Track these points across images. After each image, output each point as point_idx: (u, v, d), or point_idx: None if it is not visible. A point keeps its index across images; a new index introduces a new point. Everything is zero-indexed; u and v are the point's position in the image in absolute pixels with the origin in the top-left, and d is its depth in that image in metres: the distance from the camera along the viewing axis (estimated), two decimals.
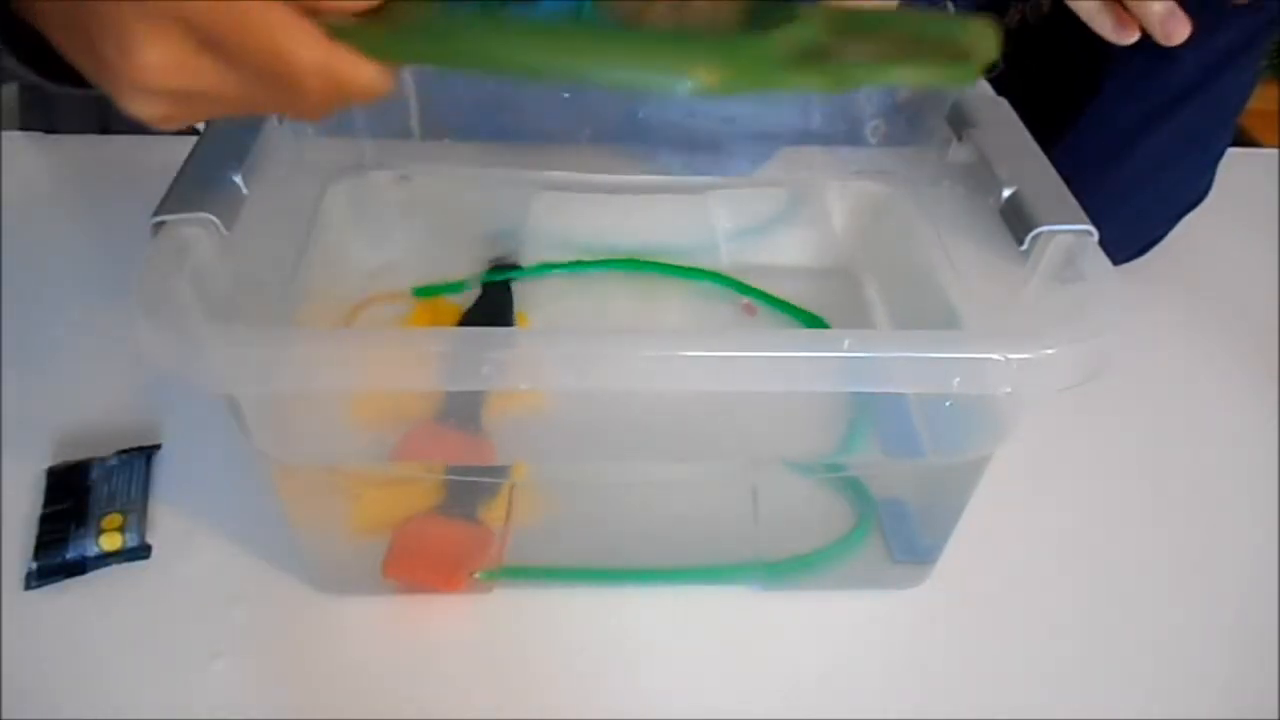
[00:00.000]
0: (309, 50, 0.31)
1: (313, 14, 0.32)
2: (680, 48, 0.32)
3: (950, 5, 0.68)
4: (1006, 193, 0.43)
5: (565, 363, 0.35)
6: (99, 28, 0.31)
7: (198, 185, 0.39)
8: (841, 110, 0.54)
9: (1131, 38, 0.49)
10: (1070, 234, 0.40)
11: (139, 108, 0.32)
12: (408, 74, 0.46)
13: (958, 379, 0.35)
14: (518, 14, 0.34)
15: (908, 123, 0.53)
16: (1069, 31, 0.53)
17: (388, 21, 0.33)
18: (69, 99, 0.73)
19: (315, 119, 0.34)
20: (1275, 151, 0.81)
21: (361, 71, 0.33)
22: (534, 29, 0.34)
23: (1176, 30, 0.47)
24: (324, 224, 0.51)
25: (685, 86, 0.31)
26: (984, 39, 0.33)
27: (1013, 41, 0.78)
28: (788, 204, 0.60)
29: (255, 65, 0.31)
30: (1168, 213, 0.65)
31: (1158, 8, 0.47)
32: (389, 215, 0.56)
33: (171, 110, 0.32)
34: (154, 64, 0.30)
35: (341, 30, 0.32)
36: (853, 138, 0.55)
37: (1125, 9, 0.48)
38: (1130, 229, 0.64)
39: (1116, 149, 0.61)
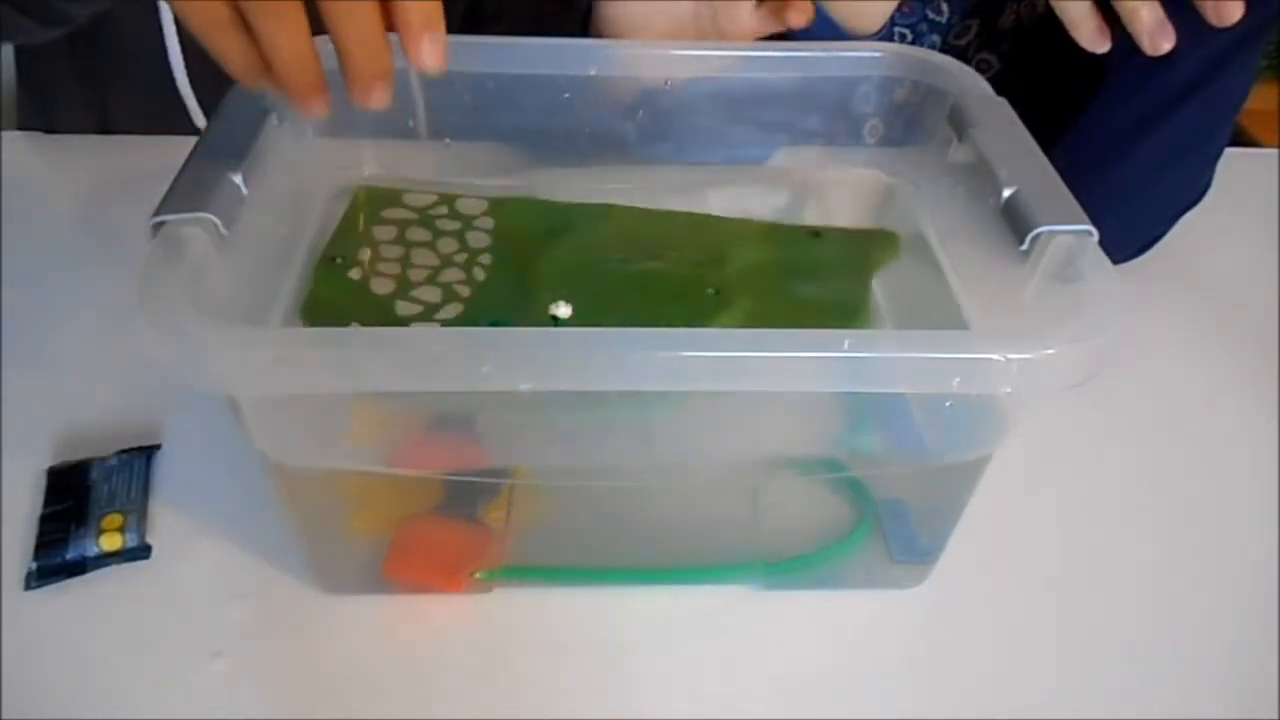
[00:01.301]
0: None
1: None
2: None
3: (934, 26, 0.68)
4: (1006, 193, 0.43)
5: (565, 363, 0.35)
6: None
7: (198, 185, 0.39)
8: (841, 110, 0.54)
9: (1105, 47, 0.49)
10: (1070, 234, 0.40)
11: None
12: (412, 74, 0.46)
13: (958, 379, 0.35)
14: None
15: (907, 123, 0.53)
16: (1065, 31, 0.53)
17: None
18: (69, 98, 0.74)
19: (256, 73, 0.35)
20: (1275, 151, 0.81)
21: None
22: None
23: (1163, 42, 0.47)
24: (324, 224, 0.51)
25: None
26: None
27: (1010, 42, 0.78)
28: (788, 203, 0.59)
29: None
30: (1167, 212, 0.65)
31: (1147, 18, 0.47)
32: None
33: None
34: None
35: None
36: (852, 138, 0.55)
37: (1107, 18, 0.48)
38: (1130, 229, 0.64)
39: (1116, 149, 0.61)
